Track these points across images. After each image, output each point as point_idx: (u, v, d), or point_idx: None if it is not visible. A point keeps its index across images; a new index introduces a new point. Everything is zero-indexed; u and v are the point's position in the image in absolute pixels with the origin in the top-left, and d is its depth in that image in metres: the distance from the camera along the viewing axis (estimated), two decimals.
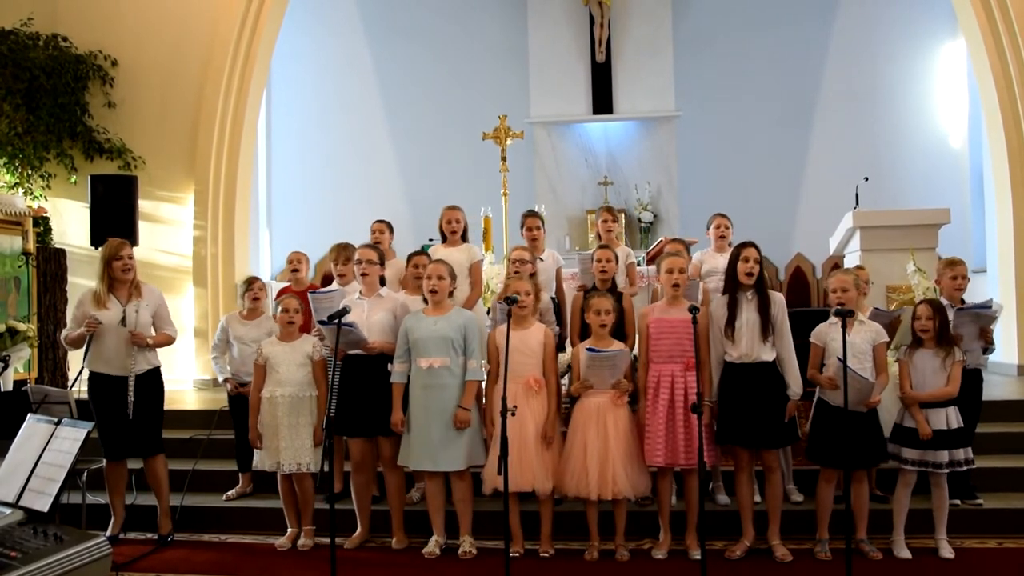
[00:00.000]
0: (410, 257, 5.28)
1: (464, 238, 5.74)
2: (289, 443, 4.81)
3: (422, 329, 4.60)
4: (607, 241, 5.85)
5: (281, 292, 5.88)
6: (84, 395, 5.04)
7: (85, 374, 4.99)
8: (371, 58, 12.21)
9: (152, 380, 4.97)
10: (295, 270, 5.91)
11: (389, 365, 4.71)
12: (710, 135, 11.69)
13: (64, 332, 4.99)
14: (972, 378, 4.93)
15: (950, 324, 4.58)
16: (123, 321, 4.82)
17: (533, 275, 5.15)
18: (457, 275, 4.87)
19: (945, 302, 5.00)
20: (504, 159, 7.99)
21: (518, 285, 4.67)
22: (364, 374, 4.74)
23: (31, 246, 7.24)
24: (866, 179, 8.22)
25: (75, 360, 7.73)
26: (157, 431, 5.01)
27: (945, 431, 4.40)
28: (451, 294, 4.77)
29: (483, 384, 4.71)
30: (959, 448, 4.42)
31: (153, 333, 4.98)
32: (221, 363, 5.56)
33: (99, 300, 4.84)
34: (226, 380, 5.50)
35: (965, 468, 4.46)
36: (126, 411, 4.83)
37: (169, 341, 5.07)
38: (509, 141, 8.10)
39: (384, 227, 5.91)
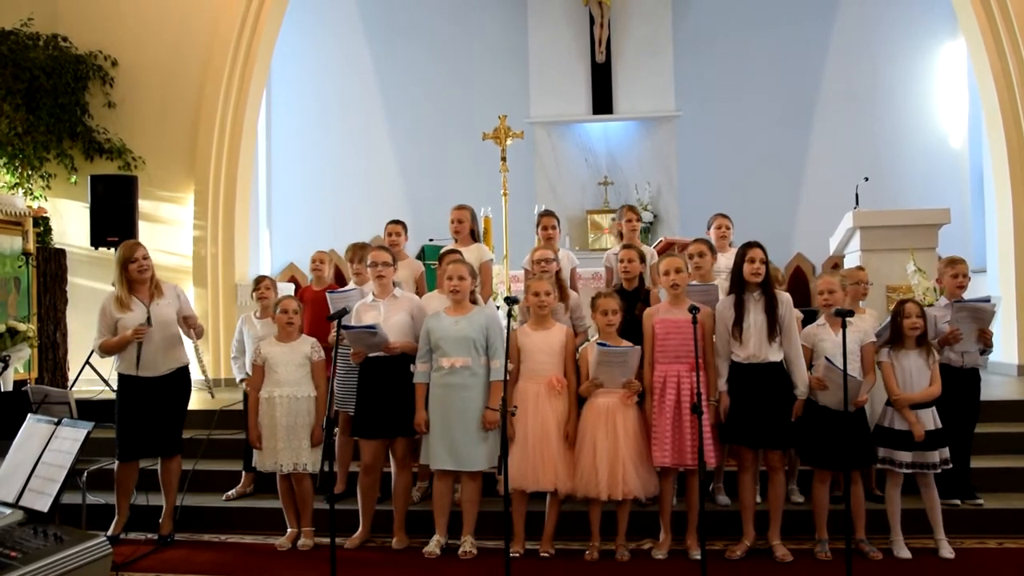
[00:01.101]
0: (441, 257, 5.24)
1: (475, 237, 5.73)
2: (287, 444, 4.81)
3: (443, 329, 4.60)
4: (630, 240, 5.83)
5: (302, 292, 5.90)
6: (83, 395, 5.04)
7: (114, 375, 5.00)
8: (371, 58, 12.22)
9: (180, 379, 4.98)
10: (316, 270, 5.90)
11: (412, 366, 4.71)
12: (710, 135, 11.69)
13: (97, 341, 4.84)
14: (970, 378, 4.93)
15: (937, 321, 4.61)
16: (148, 321, 4.79)
17: (558, 273, 5.13)
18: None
19: (945, 302, 5.01)
20: (504, 159, 7.97)
21: (538, 286, 4.67)
22: (384, 376, 4.74)
23: (31, 246, 7.24)
24: (866, 179, 8.22)
25: (75, 360, 7.74)
26: (179, 431, 5.02)
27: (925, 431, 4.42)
28: (473, 293, 4.77)
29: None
30: (935, 450, 4.42)
31: (177, 330, 4.98)
32: (239, 363, 5.56)
33: (122, 304, 4.81)
34: (243, 381, 5.48)
35: (941, 469, 4.46)
36: (157, 413, 4.83)
37: (203, 332, 5.23)
38: (509, 141, 8.09)
39: (400, 228, 5.87)
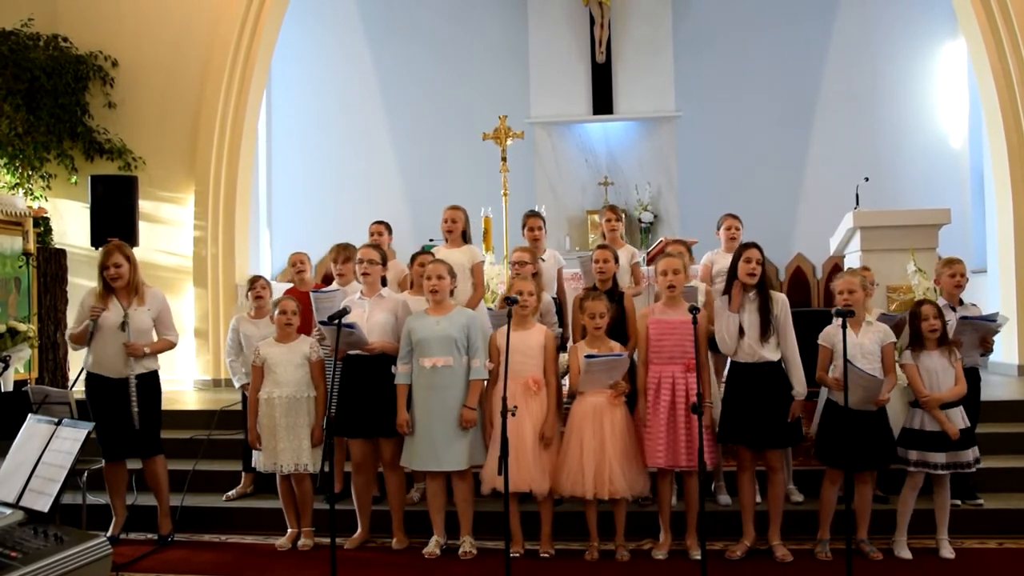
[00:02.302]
0: (414, 257, 5.26)
1: (466, 239, 5.73)
2: (287, 444, 4.81)
3: (425, 329, 4.59)
4: (611, 241, 5.84)
5: (286, 292, 5.89)
6: (83, 395, 5.04)
7: (83, 374, 5.00)
8: (371, 58, 12.21)
9: (149, 383, 4.92)
10: (299, 271, 5.90)
11: (393, 367, 4.71)
12: (710, 135, 11.69)
13: (68, 330, 4.92)
14: (970, 377, 4.91)
15: (948, 329, 4.59)
16: (123, 327, 4.78)
17: (536, 275, 5.14)
18: (458, 276, 4.87)
19: (943, 302, 5.02)
20: (504, 159, 7.98)
21: (521, 285, 4.67)
22: (365, 375, 4.74)
23: (31, 246, 7.23)
24: (866, 179, 8.22)
25: (75, 360, 7.74)
26: (155, 433, 4.98)
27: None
28: (452, 293, 4.77)
29: (484, 384, 4.71)
30: (967, 448, 4.42)
31: (153, 338, 4.94)
32: (236, 367, 5.52)
33: (102, 302, 4.83)
34: (243, 387, 5.44)
35: (975, 468, 4.46)
36: (126, 414, 4.79)
37: (168, 347, 5.03)
38: (509, 141, 8.10)
39: (383, 228, 5.92)
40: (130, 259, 4.88)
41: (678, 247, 5.31)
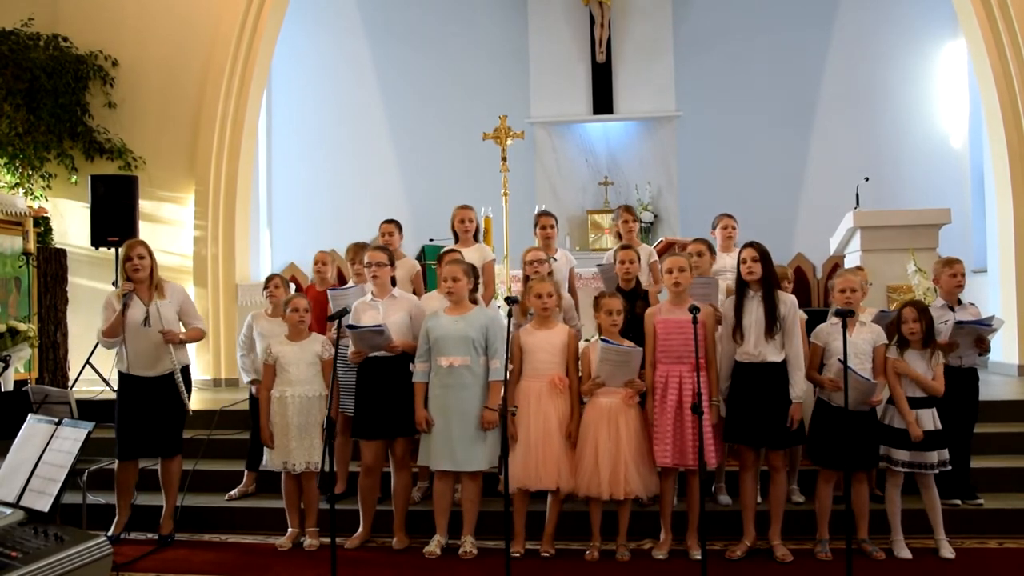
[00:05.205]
0: (440, 257, 5.24)
1: (476, 238, 5.75)
2: (299, 443, 4.82)
3: (442, 328, 4.60)
4: (628, 241, 5.84)
5: (305, 290, 5.91)
6: (84, 395, 5.04)
7: (114, 375, 5.03)
8: (371, 59, 12.22)
9: (184, 377, 4.97)
10: (319, 271, 5.92)
11: (411, 365, 4.71)
12: (710, 135, 11.70)
13: (99, 330, 4.87)
14: (968, 377, 4.93)
15: (935, 329, 4.58)
16: (146, 321, 4.80)
17: (550, 274, 5.16)
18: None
19: (941, 303, 5.02)
20: (504, 159, 7.99)
21: (541, 287, 4.67)
22: (383, 376, 4.74)
23: (31, 246, 7.24)
24: (866, 179, 8.23)
25: (75, 360, 7.75)
26: (179, 431, 5.01)
27: (923, 432, 4.41)
28: (475, 289, 4.77)
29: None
30: (933, 451, 4.42)
31: (181, 329, 4.99)
32: (247, 363, 5.51)
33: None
34: (252, 382, 5.45)
35: (939, 471, 4.45)
36: (154, 413, 4.82)
37: (200, 335, 5.16)
38: (509, 141, 8.10)
39: (394, 228, 5.90)
40: (151, 254, 4.96)
41: (699, 246, 5.30)
